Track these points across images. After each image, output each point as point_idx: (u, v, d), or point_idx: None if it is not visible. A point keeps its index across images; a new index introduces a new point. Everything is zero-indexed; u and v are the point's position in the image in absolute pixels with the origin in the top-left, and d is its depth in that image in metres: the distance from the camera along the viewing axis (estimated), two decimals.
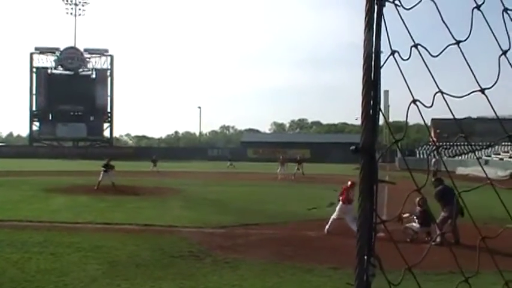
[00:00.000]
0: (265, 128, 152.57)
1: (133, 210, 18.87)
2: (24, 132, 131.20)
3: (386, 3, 1.89)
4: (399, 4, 1.87)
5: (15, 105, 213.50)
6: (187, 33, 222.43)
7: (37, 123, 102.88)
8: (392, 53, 1.87)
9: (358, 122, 2.02)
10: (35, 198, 22.68)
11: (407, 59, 1.88)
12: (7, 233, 13.73)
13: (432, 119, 70.39)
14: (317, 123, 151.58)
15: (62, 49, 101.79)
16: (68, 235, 13.43)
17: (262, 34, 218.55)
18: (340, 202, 14.79)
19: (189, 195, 24.86)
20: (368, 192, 1.91)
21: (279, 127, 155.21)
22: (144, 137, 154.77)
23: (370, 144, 1.90)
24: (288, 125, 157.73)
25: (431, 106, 1.89)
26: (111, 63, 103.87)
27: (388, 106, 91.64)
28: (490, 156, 54.51)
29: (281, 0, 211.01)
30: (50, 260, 10.61)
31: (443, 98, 1.90)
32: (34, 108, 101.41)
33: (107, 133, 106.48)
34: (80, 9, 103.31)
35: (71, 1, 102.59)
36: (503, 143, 62.43)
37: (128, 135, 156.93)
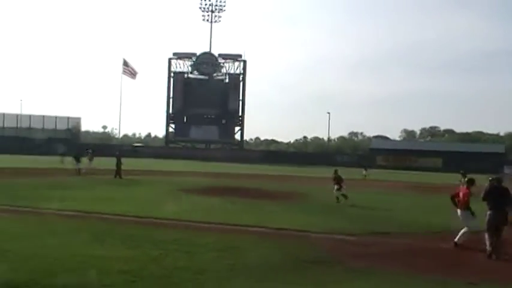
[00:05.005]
0: (395, 135, 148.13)
1: (265, 214, 19.05)
2: (161, 133, 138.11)
3: None
4: None
5: (154, 108, 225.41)
6: (313, 36, 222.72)
7: (173, 126, 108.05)
8: None
9: None
10: (171, 197, 23.73)
11: None
12: (146, 229, 14.47)
13: None
14: (450, 131, 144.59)
15: (198, 54, 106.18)
16: (202, 234, 13.85)
17: (393, 37, 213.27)
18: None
19: (317, 201, 24.74)
20: None
21: (409, 134, 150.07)
22: (273, 141, 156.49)
23: None
24: (418, 133, 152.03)
25: None
26: (244, 69, 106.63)
27: None
28: None
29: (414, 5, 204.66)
30: (186, 257, 10.91)
31: None
32: (171, 111, 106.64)
33: (237, 136, 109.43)
34: (216, 15, 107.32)
35: (208, 8, 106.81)
36: None
37: (257, 138, 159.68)
